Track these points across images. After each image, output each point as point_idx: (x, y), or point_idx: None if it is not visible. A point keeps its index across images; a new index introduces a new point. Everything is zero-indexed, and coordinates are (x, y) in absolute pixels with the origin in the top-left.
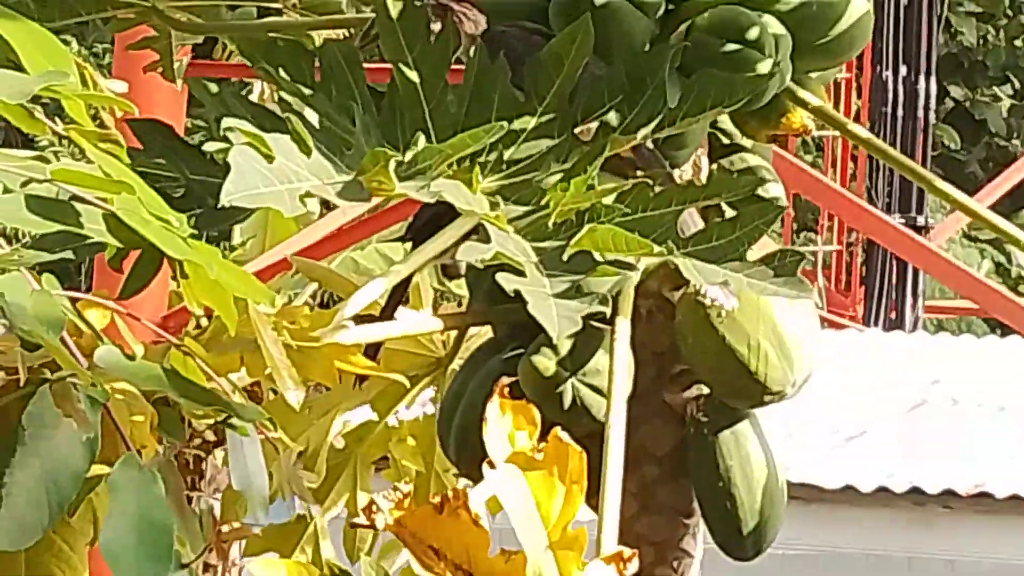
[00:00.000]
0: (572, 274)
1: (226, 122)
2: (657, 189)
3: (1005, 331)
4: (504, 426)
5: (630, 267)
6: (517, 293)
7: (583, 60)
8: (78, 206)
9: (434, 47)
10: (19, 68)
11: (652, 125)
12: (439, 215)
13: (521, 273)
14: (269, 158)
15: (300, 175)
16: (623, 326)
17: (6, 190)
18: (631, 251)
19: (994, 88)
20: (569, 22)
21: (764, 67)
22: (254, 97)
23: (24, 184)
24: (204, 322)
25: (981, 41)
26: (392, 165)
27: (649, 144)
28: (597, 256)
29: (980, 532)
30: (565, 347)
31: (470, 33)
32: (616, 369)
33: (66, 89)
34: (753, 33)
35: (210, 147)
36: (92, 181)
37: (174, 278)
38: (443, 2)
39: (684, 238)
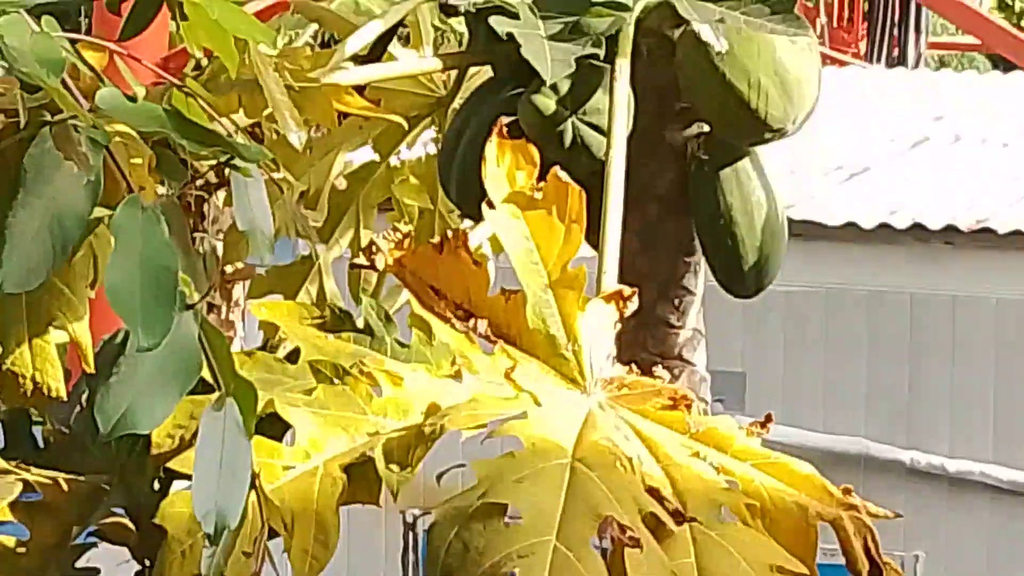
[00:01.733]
0: (567, 15)
1: None
2: None
3: (1008, 67)
4: (504, 166)
5: (626, 7)
6: (511, 35)
7: None
8: None
9: None
10: None
11: None
12: None
13: (516, 15)
14: None
15: None
16: (623, 65)
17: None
18: None
19: None
20: None
21: None
22: None
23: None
24: (204, 63)
25: None
26: None
27: None
28: None
29: (982, 267)
30: (565, 86)
31: None
32: (616, 107)
33: None
34: None
35: None
36: None
37: (173, 19)
38: None
39: None
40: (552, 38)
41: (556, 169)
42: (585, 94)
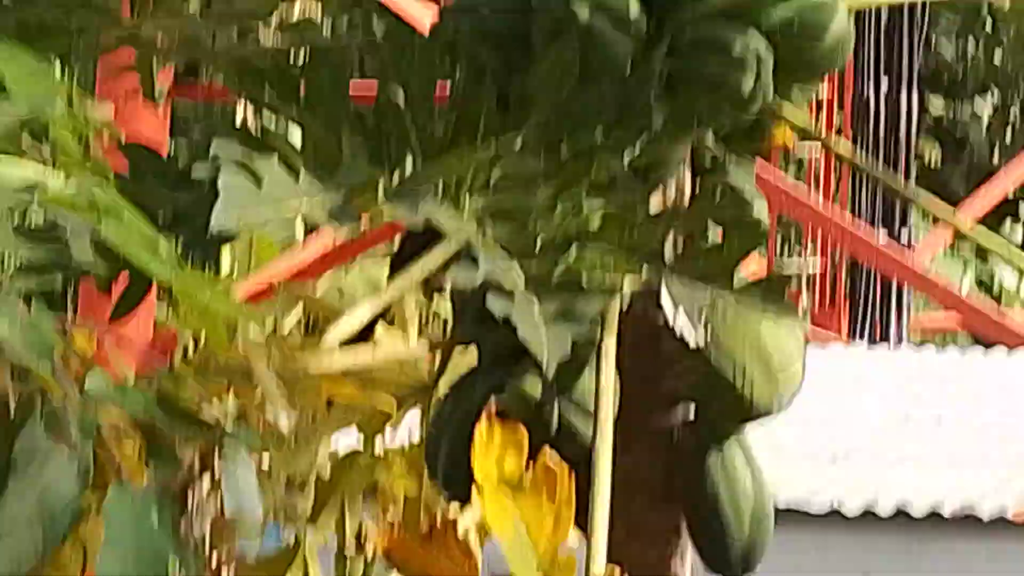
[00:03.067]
0: (560, 296)
1: (215, 145)
2: (642, 212)
3: (989, 345)
4: (493, 449)
5: (617, 289)
6: (506, 317)
7: (568, 82)
8: (67, 232)
9: (419, 68)
10: (4, 92)
11: (638, 145)
12: (427, 236)
13: (509, 295)
14: (258, 181)
15: (289, 197)
16: (609, 348)
17: None
18: (618, 271)
19: (975, 102)
20: (554, 41)
21: (747, 84)
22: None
23: (12, 210)
24: (191, 347)
25: (961, 56)
26: (381, 188)
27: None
28: (585, 278)
29: (967, 555)
30: (552, 370)
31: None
32: (603, 390)
33: (54, 115)
34: (736, 51)
35: (198, 170)
36: (80, 205)
37: (161, 302)
38: None
39: (670, 259)
40: (548, 320)
41: (546, 452)
42: (572, 378)
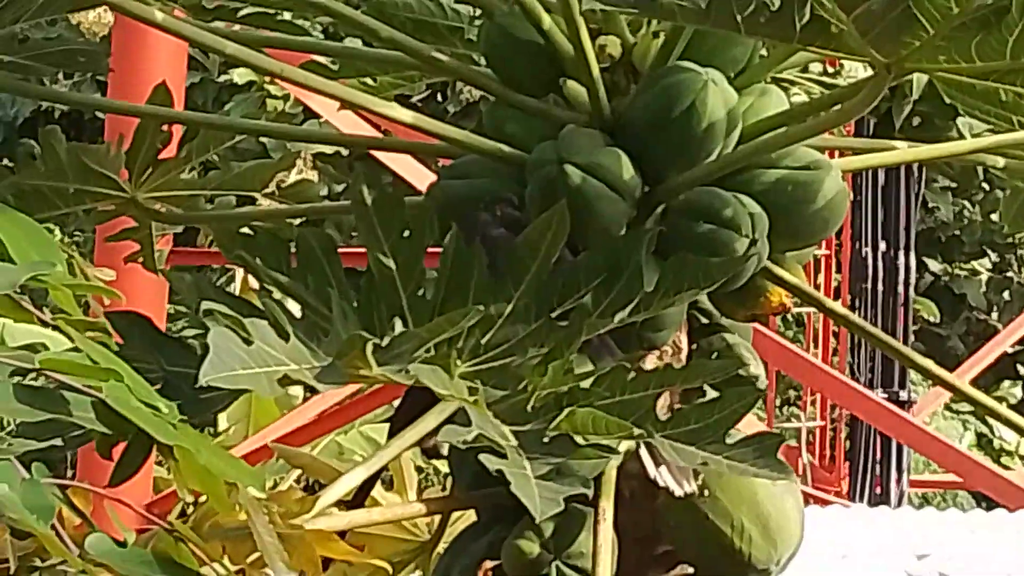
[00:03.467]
0: (553, 456)
1: (204, 305)
2: (634, 372)
3: (990, 504)
4: None
5: (611, 449)
6: (500, 473)
7: (559, 245)
8: (67, 394)
9: (410, 235)
10: (6, 259)
11: (629, 308)
12: (424, 399)
13: (503, 454)
14: (247, 341)
15: (278, 358)
16: (606, 508)
17: None
18: (610, 433)
19: (972, 262)
20: (545, 206)
21: (740, 247)
22: (236, 283)
23: (13, 374)
24: (189, 509)
25: (957, 216)
26: (370, 349)
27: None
28: (577, 438)
29: None
30: (548, 529)
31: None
32: (599, 551)
33: (53, 279)
34: (728, 214)
35: (189, 333)
36: (80, 369)
37: (159, 463)
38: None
39: (663, 420)
40: (540, 478)
41: None
42: (568, 538)
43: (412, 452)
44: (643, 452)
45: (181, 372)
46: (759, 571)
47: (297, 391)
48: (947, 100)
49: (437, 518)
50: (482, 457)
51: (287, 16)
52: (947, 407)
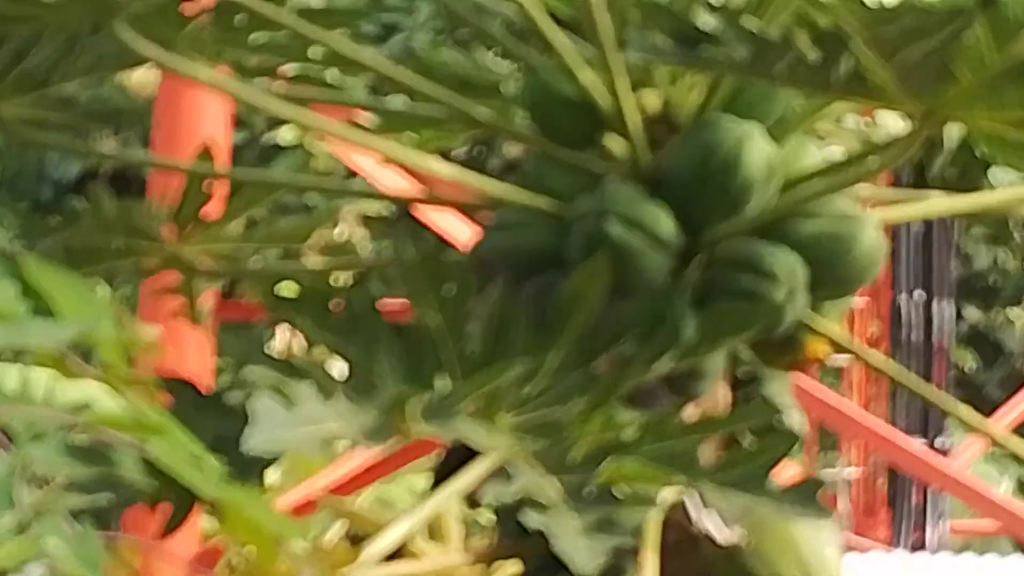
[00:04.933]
0: (598, 507)
1: (247, 371)
2: (676, 421)
3: None
4: None
5: (655, 499)
6: (543, 528)
7: (600, 296)
8: (114, 449)
9: (453, 290)
10: (54, 315)
11: (669, 357)
12: (468, 450)
13: (546, 508)
14: (290, 404)
15: (323, 418)
16: (651, 560)
17: (41, 436)
18: (655, 482)
19: (1009, 309)
20: (587, 258)
21: (779, 297)
22: (280, 337)
23: (61, 429)
24: (235, 560)
25: (993, 264)
26: (415, 405)
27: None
28: (622, 488)
29: None
30: None
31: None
32: None
33: (101, 334)
34: (767, 264)
35: (232, 398)
36: (128, 424)
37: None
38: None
39: (706, 468)
40: (584, 531)
41: None
42: None
43: (456, 501)
44: (687, 501)
45: (226, 435)
46: None
47: (341, 442)
48: (983, 149)
49: (481, 568)
50: (524, 515)
51: (331, 73)
52: (985, 455)
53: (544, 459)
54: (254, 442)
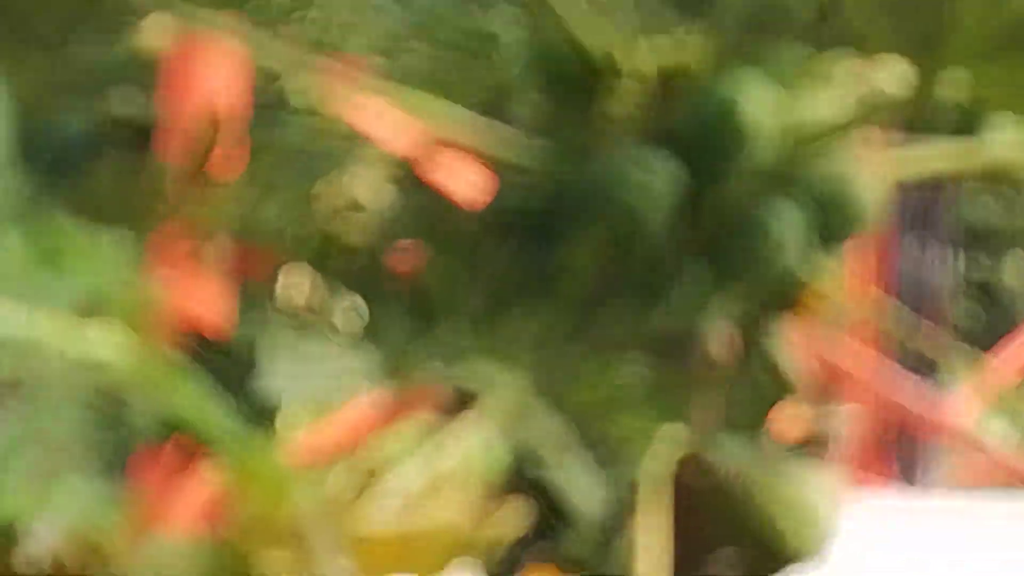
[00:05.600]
0: (601, 451)
1: (252, 317)
2: (679, 372)
3: None
4: None
5: (656, 447)
6: (545, 476)
7: (605, 250)
8: (128, 397)
9: (461, 242)
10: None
11: (672, 307)
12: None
13: (550, 452)
14: (298, 352)
15: (331, 366)
16: (651, 506)
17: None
18: (655, 429)
19: (1010, 256)
20: (592, 214)
21: (781, 246)
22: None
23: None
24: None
25: (1002, 209)
26: (423, 347)
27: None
28: (624, 436)
29: None
30: (596, 529)
31: None
32: (641, 549)
33: (113, 289)
34: (773, 215)
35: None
36: (141, 373)
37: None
38: None
39: (707, 415)
40: (585, 478)
41: None
42: (616, 537)
43: (465, 451)
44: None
45: (237, 384)
46: (798, 562)
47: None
48: (984, 97)
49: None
50: (523, 461)
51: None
52: (991, 399)
53: (549, 403)
54: (261, 386)
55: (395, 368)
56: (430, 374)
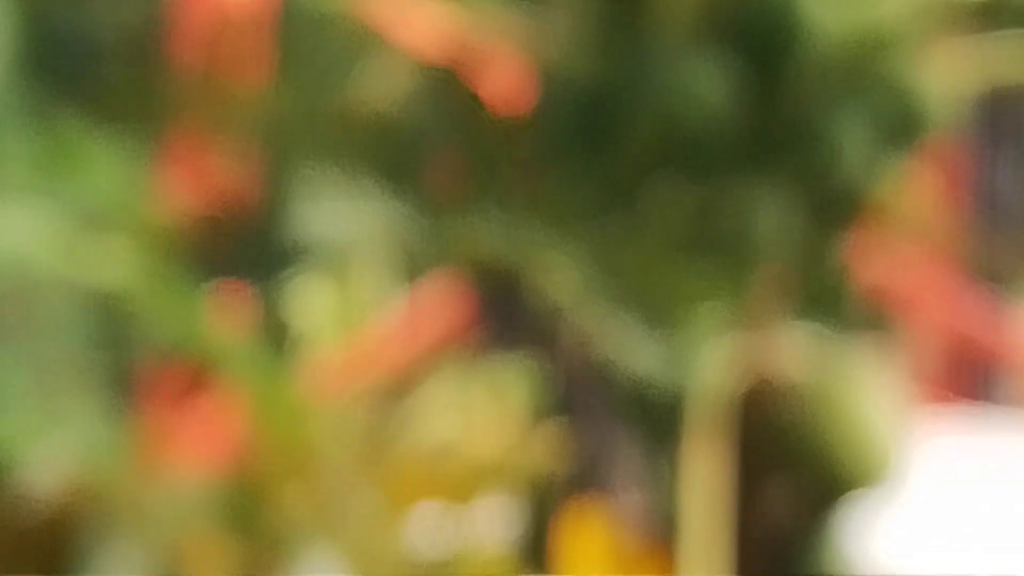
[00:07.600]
0: (654, 314)
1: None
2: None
3: None
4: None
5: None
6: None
7: (658, 153)
8: (140, 317)
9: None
10: (80, 175)
11: (735, 216)
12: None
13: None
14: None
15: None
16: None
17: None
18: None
19: None
20: (645, 117)
21: (848, 156)
22: None
23: (87, 298)
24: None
25: None
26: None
27: None
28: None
29: None
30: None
31: None
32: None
33: (124, 192)
34: (835, 124)
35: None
36: (154, 294)
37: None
38: None
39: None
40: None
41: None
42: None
43: (497, 383)
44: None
45: (263, 268)
46: (867, 486)
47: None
48: None
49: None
50: (575, 317)
51: None
52: None
53: (596, 281)
54: (288, 239)
55: (437, 222)
56: (476, 235)
